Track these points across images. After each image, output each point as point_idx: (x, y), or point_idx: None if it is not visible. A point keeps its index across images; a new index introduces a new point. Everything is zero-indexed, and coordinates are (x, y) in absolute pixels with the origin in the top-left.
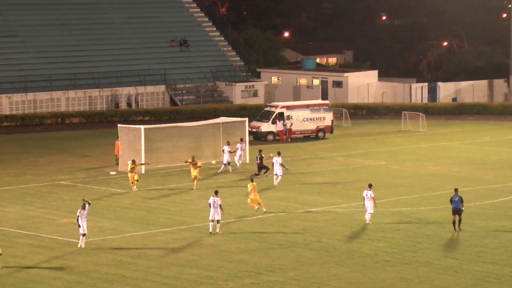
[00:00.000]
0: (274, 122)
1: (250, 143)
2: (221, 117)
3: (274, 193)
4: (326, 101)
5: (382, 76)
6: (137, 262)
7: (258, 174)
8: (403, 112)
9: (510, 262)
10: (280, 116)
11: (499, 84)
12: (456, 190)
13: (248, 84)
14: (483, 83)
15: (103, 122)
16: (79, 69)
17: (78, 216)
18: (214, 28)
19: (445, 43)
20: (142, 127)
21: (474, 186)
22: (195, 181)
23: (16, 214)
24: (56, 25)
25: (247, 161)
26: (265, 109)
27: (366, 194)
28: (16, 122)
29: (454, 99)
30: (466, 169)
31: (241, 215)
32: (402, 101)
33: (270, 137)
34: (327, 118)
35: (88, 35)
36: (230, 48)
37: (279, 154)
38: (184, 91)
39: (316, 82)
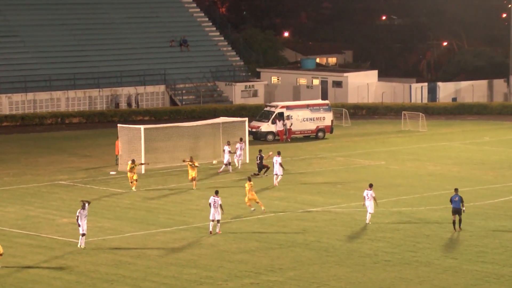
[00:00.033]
0: (274, 122)
1: (250, 143)
2: (221, 117)
3: (274, 193)
4: (326, 101)
5: (382, 76)
6: (137, 262)
7: (258, 174)
8: (403, 112)
9: (510, 262)
10: (280, 116)
11: (499, 84)
12: (456, 190)
13: (248, 84)
14: (483, 83)
15: (103, 122)
16: (79, 69)
17: (77, 216)
18: (214, 28)
19: (445, 43)
20: (142, 127)
21: (474, 186)
22: (194, 181)
23: (16, 214)
24: (56, 25)
25: (247, 161)
26: (265, 109)
27: (367, 194)
28: (16, 122)
29: (454, 99)
30: (466, 169)
31: (241, 215)
32: (402, 101)
33: (270, 137)
34: (327, 118)
35: (88, 35)
36: (230, 48)
37: (279, 154)
38: (184, 91)
39: (316, 82)
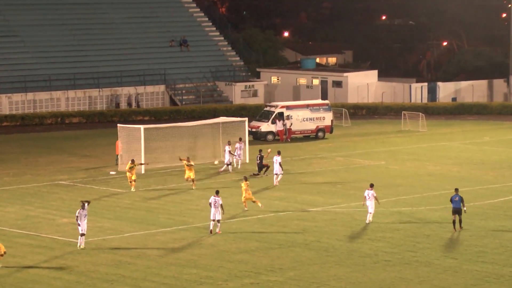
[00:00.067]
0: (274, 122)
1: (250, 143)
2: (221, 117)
3: (274, 193)
4: (326, 101)
5: (381, 76)
6: (137, 262)
7: (258, 174)
8: (403, 112)
9: (510, 262)
10: (280, 116)
11: (499, 84)
12: (456, 190)
13: (247, 84)
14: (483, 83)
15: (103, 122)
16: (79, 69)
17: (77, 216)
18: (214, 28)
19: (445, 43)
20: (142, 127)
21: (473, 186)
22: (194, 181)
23: (16, 214)
24: (56, 25)
25: (247, 161)
26: (265, 109)
27: (368, 194)
28: (16, 122)
29: (454, 99)
30: (466, 169)
31: (241, 215)
32: (402, 101)
33: (270, 137)
34: (327, 118)
35: (88, 35)
36: (229, 48)
37: (279, 153)
38: (184, 91)
39: (316, 82)
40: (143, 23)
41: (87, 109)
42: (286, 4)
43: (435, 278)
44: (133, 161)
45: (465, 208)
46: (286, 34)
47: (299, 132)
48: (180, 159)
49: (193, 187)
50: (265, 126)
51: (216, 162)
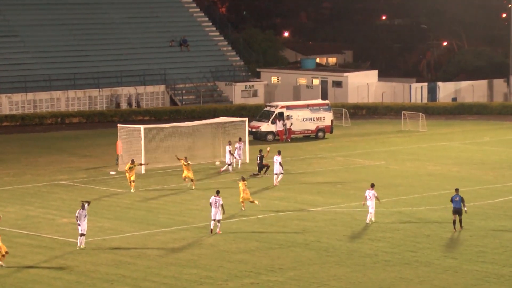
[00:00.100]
0: (274, 122)
1: (250, 143)
2: (221, 117)
3: (274, 193)
4: (326, 101)
5: (382, 76)
6: (137, 262)
7: (258, 174)
8: (403, 112)
9: (510, 262)
10: (280, 116)
11: (499, 84)
12: (457, 190)
13: (248, 84)
14: (483, 83)
15: (103, 122)
16: (79, 69)
17: (77, 217)
18: (214, 28)
19: (445, 43)
20: (142, 127)
21: (474, 186)
22: (193, 181)
23: (16, 214)
24: (56, 25)
25: (247, 161)
26: (265, 109)
27: (368, 194)
28: (16, 122)
29: (454, 99)
30: (466, 169)
31: (240, 214)
32: (402, 101)
33: (270, 137)
34: (327, 118)
35: (88, 35)
36: (230, 48)
37: (279, 153)
38: (184, 91)
39: (316, 82)
40: (143, 23)
41: (87, 109)
42: (286, 4)
43: (435, 278)
44: (133, 161)
45: (465, 208)
46: (286, 34)
47: (299, 132)
48: (178, 158)
49: (193, 187)
50: (265, 126)
51: (217, 163)
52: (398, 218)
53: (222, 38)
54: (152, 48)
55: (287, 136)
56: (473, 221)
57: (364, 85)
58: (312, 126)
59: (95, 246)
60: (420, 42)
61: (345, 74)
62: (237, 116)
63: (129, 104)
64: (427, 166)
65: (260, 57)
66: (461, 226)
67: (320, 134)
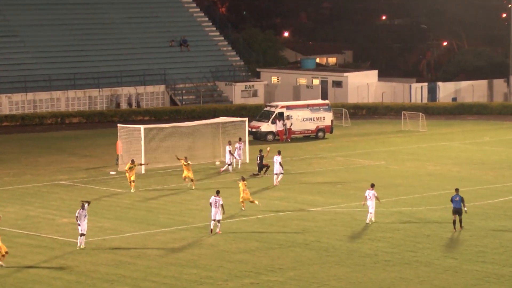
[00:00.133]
0: (274, 122)
1: (250, 143)
2: (221, 117)
3: (274, 193)
4: (326, 101)
5: (382, 76)
6: (137, 262)
7: (258, 174)
8: (403, 112)
9: (510, 262)
10: (280, 116)
11: (499, 84)
12: (457, 190)
13: (248, 84)
14: (483, 83)
15: (103, 122)
16: (79, 69)
17: (77, 217)
18: (214, 28)
19: (445, 43)
20: (142, 127)
21: (474, 186)
22: (193, 181)
23: (16, 214)
24: (56, 25)
25: (247, 161)
26: (265, 109)
27: (369, 194)
28: (16, 122)
29: (454, 99)
30: (466, 169)
31: (241, 214)
32: (402, 101)
33: (270, 137)
34: (327, 118)
35: (88, 35)
36: (230, 48)
37: (279, 153)
38: (184, 91)
39: (316, 82)
40: (143, 23)
41: (87, 109)
42: (286, 4)
43: (435, 278)
44: (133, 161)
45: (465, 208)
46: (286, 34)
47: (299, 132)
48: (178, 158)
49: (193, 187)
50: (265, 126)
51: (217, 163)
52: (398, 218)
53: (222, 38)
54: (152, 48)
55: (287, 136)
56: (473, 221)
57: (364, 85)
58: (312, 126)
59: (95, 246)
60: (420, 42)
61: (345, 74)
62: (237, 116)
63: (129, 104)
64: (427, 166)
65: (260, 57)
66: (461, 226)
67: (320, 134)
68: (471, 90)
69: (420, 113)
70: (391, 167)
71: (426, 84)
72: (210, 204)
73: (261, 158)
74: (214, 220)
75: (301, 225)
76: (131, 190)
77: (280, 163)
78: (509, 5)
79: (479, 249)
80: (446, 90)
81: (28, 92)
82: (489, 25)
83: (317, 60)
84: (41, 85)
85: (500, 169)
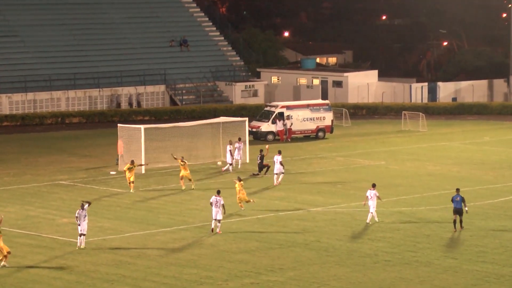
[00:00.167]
0: (274, 122)
1: (250, 143)
2: (221, 117)
3: (274, 193)
4: (326, 101)
5: (382, 76)
6: (137, 262)
7: (258, 174)
8: (403, 112)
9: (510, 262)
10: (280, 116)
11: (499, 84)
12: (457, 190)
13: (248, 84)
14: (483, 83)
15: (103, 122)
16: (79, 69)
17: (77, 217)
18: (214, 28)
19: (445, 43)
20: (142, 127)
21: (474, 186)
22: (191, 180)
23: (16, 214)
24: (56, 25)
25: (247, 161)
26: (265, 109)
27: (370, 194)
28: (16, 122)
29: (454, 99)
30: (466, 169)
31: (241, 215)
32: (402, 101)
33: (270, 137)
34: (327, 118)
35: (88, 35)
36: (230, 48)
37: (279, 153)
38: (184, 91)
39: (316, 82)
40: (143, 23)
41: (87, 109)
42: (286, 4)
43: (435, 278)
44: (132, 162)
45: (466, 208)
46: (286, 34)
47: (299, 132)
48: (174, 158)
49: (192, 186)
50: (266, 126)
51: (219, 163)
52: (398, 218)
53: (222, 38)
54: (152, 48)
55: (287, 136)
56: (473, 221)
57: (364, 85)
58: (312, 126)
59: (95, 246)
60: (420, 42)
61: (345, 74)
62: (237, 116)
63: (130, 104)
64: (427, 166)
65: (260, 57)
66: (461, 227)
67: (320, 134)
68: (471, 90)
69: (420, 113)
70: (391, 167)
71: (426, 84)
72: (211, 203)
73: (262, 158)
74: (215, 219)
75: (301, 225)
76: (131, 190)
77: (280, 162)
78: (509, 5)
79: (479, 249)
80: (446, 90)
81: (28, 92)
82: (489, 25)
83: (317, 60)
84: (41, 85)
85: (500, 169)
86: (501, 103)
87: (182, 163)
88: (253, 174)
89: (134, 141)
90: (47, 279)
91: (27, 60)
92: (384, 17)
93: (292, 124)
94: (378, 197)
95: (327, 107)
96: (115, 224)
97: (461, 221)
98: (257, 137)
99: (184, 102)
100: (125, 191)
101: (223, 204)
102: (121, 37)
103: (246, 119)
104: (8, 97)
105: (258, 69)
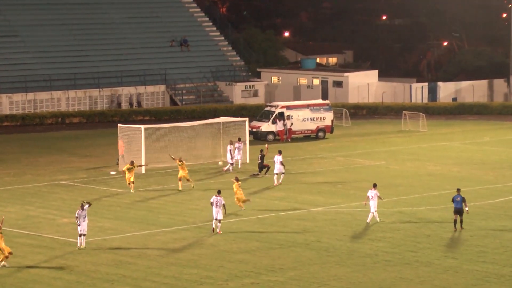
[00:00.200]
0: (274, 122)
1: (251, 143)
2: (221, 117)
3: (274, 193)
4: (326, 101)
5: (382, 76)
6: (137, 262)
7: (258, 174)
8: (403, 112)
9: (510, 262)
10: (280, 116)
11: (499, 84)
12: (458, 190)
13: (248, 84)
14: (483, 83)
15: (103, 122)
16: (79, 69)
17: (76, 217)
18: (214, 28)
19: (445, 43)
20: (143, 127)
21: (474, 186)
22: (189, 180)
23: (16, 214)
24: (56, 25)
25: (247, 161)
26: (265, 109)
27: (371, 194)
28: (17, 122)
29: (454, 99)
30: (466, 169)
31: (241, 215)
32: (402, 101)
33: (270, 137)
34: (327, 118)
35: (88, 35)
36: (230, 48)
37: (280, 152)
38: (184, 91)
39: (316, 82)
40: (143, 23)
41: (88, 109)
42: (286, 4)
43: (436, 278)
44: (132, 162)
45: (467, 209)
46: (286, 34)
47: (300, 132)
48: (172, 158)
49: (192, 185)
50: (266, 126)
51: (220, 163)
52: (399, 218)
53: (223, 38)
54: (152, 48)
55: (287, 136)
56: (473, 221)
57: (364, 85)
58: (312, 126)
59: (96, 246)
60: (420, 42)
61: (346, 74)
62: (237, 116)
63: (130, 104)
64: (427, 166)
65: (261, 57)
66: (461, 227)
67: (321, 134)
68: (472, 90)
69: (421, 113)
70: (391, 167)
71: (426, 84)
72: (211, 203)
73: (262, 157)
74: (216, 219)
75: (302, 225)
76: (131, 191)
77: (281, 162)
78: (509, 5)
79: (480, 249)
80: (446, 90)
81: (29, 92)
82: (489, 25)
83: (318, 60)
84: (41, 85)
85: (501, 169)
86: (501, 103)
87: (180, 163)
88: (253, 174)
89: (134, 141)
90: (47, 279)
91: (27, 60)
92: (384, 17)
93: (292, 124)
94: (379, 197)
95: (327, 107)
96: (116, 224)
97: (461, 221)
98: (257, 137)
99: (184, 102)
100: (125, 191)
101: (223, 204)
102: (121, 37)
103: (246, 119)
104: (8, 97)
105: (258, 69)
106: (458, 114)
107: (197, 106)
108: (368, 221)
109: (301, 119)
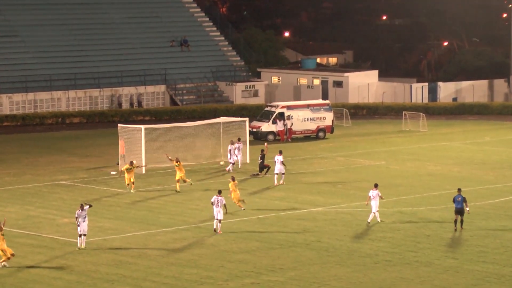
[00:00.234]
0: (274, 122)
1: (251, 143)
2: (222, 117)
3: (274, 193)
4: (327, 101)
5: (382, 76)
6: (138, 262)
7: (258, 174)
8: (403, 112)
9: (511, 262)
10: (281, 116)
11: (500, 84)
12: (459, 190)
13: (248, 84)
14: (484, 83)
15: (104, 122)
16: (79, 69)
17: (76, 217)
18: (215, 28)
19: (445, 43)
20: (143, 127)
21: (474, 186)
22: (186, 181)
23: (16, 214)
24: (56, 25)
25: (248, 161)
26: (266, 109)
27: (372, 194)
28: (17, 122)
29: (455, 99)
30: (466, 169)
31: (241, 215)
32: (402, 101)
33: (270, 137)
34: (328, 118)
35: (88, 35)
36: (230, 48)
37: (280, 153)
38: (184, 91)
39: (317, 82)
40: (143, 23)
41: (88, 109)
42: (286, 4)
43: (436, 278)
44: (131, 163)
45: (468, 209)
46: (286, 34)
47: (300, 132)
48: (169, 159)
49: (190, 183)
50: (266, 126)
51: (221, 163)
52: (399, 218)
53: (223, 38)
54: (152, 48)
55: (287, 136)
56: (474, 221)
57: (364, 85)
58: (312, 126)
59: (96, 246)
60: (421, 42)
61: (346, 74)
62: (237, 116)
63: (131, 104)
64: (427, 166)
65: (261, 57)
66: (461, 227)
67: (321, 134)
68: (472, 90)
69: (421, 113)
70: (391, 167)
71: (426, 84)
72: (212, 203)
73: (263, 157)
74: (217, 219)
75: (302, 225)
76: (131, 191)
77: (282, 162)
78: (510, 5)
79: (480, 249)
80: (446, 90)
81: (29, 92)
82: (489, 25)
83: (318, 60)
84: (41, 85)
85: (501, 169)
86: (502, 103)
87: (177, 164)
88: (254, 174)
89: (134, 141)
90: (47, 279)
91: (27, 60)
92: (384, 17)
93: (292, 124)
94: (381, 197)
95: (328, 107)
96: (116, 224)
97: (461, 221)
98: (258, 137)
99: (184, 102)
100: (125, 191)
101: (224, 204)
102: (121, 37)
103: (247, 119)
104: (8, 97)
105: (258, 69)
106: (459, 114)
107: (197, 106)
108: (368, 220)
109: (301, 119)
